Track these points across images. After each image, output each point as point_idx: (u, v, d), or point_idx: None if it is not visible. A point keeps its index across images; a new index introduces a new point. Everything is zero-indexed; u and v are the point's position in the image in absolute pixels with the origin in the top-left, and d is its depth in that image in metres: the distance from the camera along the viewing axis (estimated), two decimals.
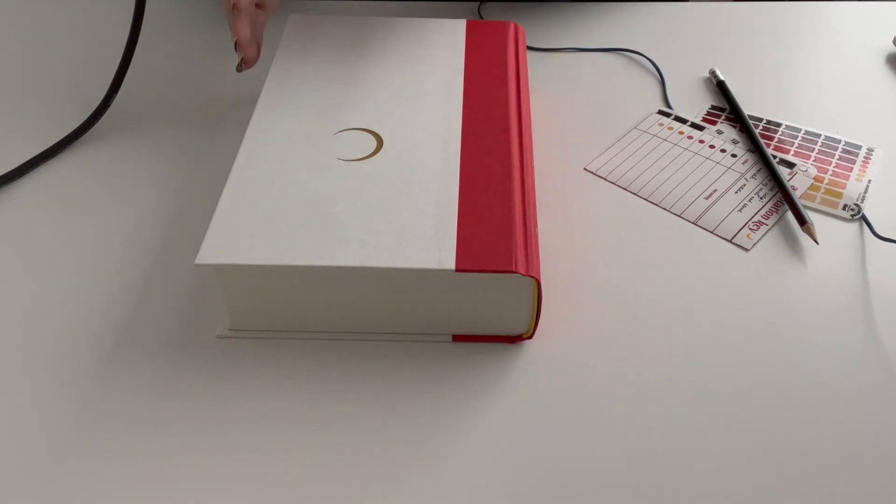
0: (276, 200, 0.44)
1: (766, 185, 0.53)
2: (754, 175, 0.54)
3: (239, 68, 0.56)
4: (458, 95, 0.52)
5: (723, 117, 0.59)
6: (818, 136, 0.58)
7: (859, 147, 0.57)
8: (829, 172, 0.54)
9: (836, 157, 0.56)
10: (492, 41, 0.57)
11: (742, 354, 0.43)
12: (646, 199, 0.53)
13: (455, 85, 0.53)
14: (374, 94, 0.52)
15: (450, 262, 0.40)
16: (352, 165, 0.46)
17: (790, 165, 0.55)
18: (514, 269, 0.40)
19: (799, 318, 0.45)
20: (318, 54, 0.55)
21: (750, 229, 0.50)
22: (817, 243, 0.49)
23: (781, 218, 0.51)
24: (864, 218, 0.51)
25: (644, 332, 0.44)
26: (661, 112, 0.60)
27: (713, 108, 0.60)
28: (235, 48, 0.55)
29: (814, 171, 0.54)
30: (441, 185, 0.45)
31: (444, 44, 0.57)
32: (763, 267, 0.48)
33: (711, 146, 0.56)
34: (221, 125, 0.58)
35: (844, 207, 0.52)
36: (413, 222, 0.43)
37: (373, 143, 0.48)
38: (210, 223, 0.43)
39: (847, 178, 0.54)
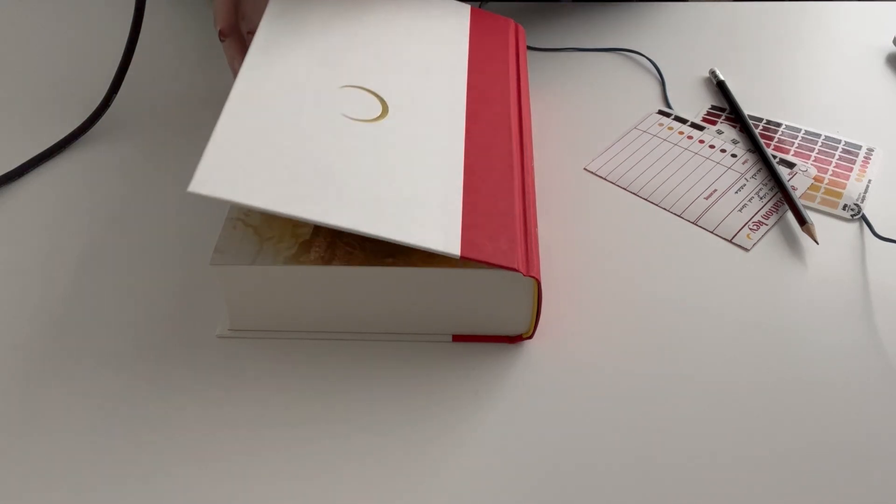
0: (276, 143, 0.41)
1: (766, 185, 0.53)
2: (754, 175, 0.54)
3: None
4: (462, 82, 0.50)
5: (723, 117, 0.59)
6: (818, 136, 0.58)
7: (859, 147, 0.57)
8: (829, 172, 0.54)
9: (836, 157, 0.56)
10: (494, 34, 0.57)
11: (742, 354, 0.43)
12: (646, 199, 0.53)
13: (459, 69, 0.51)
14: (378, 56, 0.49)
15: (455, 248, 0.39)
16: (357, 126, 0.44)
17: (790, 165, 0.55)
18: (516, 267, 0.40)
19: (799, 318, 0.45)
20: (319, 8, 0.52)
21: (750, 229, 0.50)
22: (817, 243, 0.49)
23: (781, 218, 0.51)
24: (864, 218, 0.51)
25: (644, 332, 0.44)
26: (661, 112, 0.60)
27: (713, 108, 0.60)
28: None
29: (814, 171, 0.54)
30: (445, 170, 0.43)
31: (449, 23, 0.55)
32: (763, 267, 0.48)
33: (711, 146, 0.56)
34: None
35: (844, 207, 0.52)
36: (418, 198, 0.41)
37: (378, 108, 0.45)
38: (204, 151, 0.39)
39: (847, 178, 0.54)
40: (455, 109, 0.48)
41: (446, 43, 0.53)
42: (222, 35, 0.54)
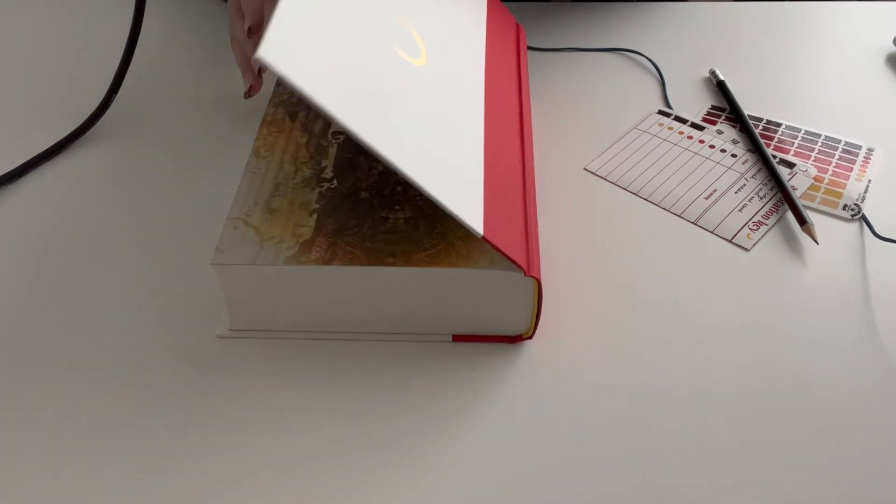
0: (338, 44, 0.36)
1: (766, 185, 0.53)
2: (754, 175, 0.54)
3: (247, 96, 0.57)
4: (481, 62, 0.48)
5: (723, 117, 0.59)
6: (818, 136, 0.58)
7: (859, 147, 0.57)
8: (829, 172, 0.54)
9: (836, 157, 0.56)
10: (504, 24, 0.56)
11: (742, 354, 0.43)
12: (646, 199, 0.53)
13: (477, 48, 0.49)
14: (412, 5, 0.45)
15: (478, 226, 0.38)
16: (405, 63, 0.40)
17: (790, 165, 0.55)
18: (522, 264, 0.40)
19: (799, 318, 0.45)
20: None
21: (750, 229, 0.50)
22: (817, 243, 0.49)
23: (781, 218, 0.51)
24: (864, 218, 0.51)
25: (644, 332, 0.44)
26: (661, 112, 0.60)
27: (713, 108, 0.60)
28: (252, 75, 0.56)
29: (814, 171, 0.54)
30: (470, 144, 0.42)
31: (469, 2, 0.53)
32: (763, 267, 0.48)
33: (711, 146, 0.56)
34: (221, 125, 0.58)
35: (844, 207, 0.52)
36: (452, 162, 0.39)
37: (419, 51, 0.42)
38: (271, 20, 0.33)
39: (847, 178, 0.54)
40: (475, 87, 0.46)
41: (466, 19, 0.51)
42: (251, 33, 0.53)
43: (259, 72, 0.56)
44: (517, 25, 0.59)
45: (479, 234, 0.38)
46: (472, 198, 0.39)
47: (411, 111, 0.38)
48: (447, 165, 0.39)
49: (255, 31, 0.53)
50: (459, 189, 0.38)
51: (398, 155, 0.35)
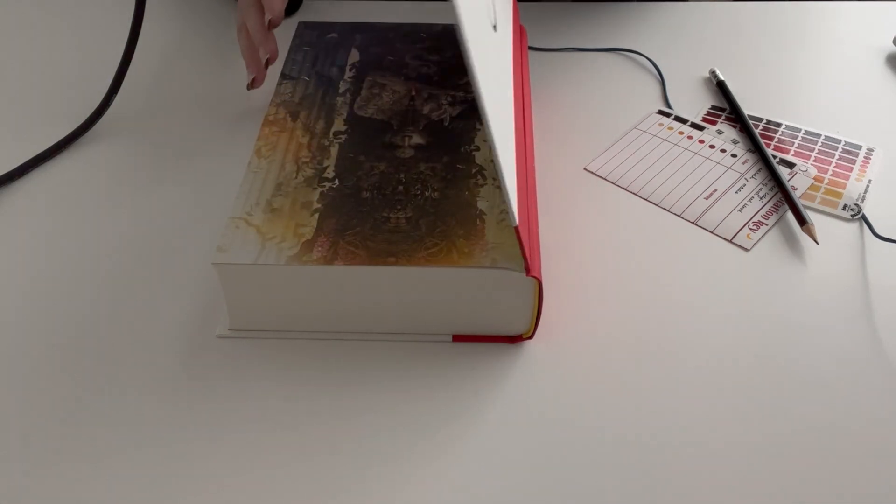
0: None
1: (766, 185, 0.53)
2: (754, 175, 0.54)
3: (250, 87, 0.57)
4: (510, 50, 0.47)
5: (723, 117, 0.59)
6: (818, 136, 0.58)
7: (859, 147, 0.57)
8: (829, 172, 0.54)
9: (836, 157, 0.56)
10: (516, 23, 0.56)
11: (742, 354, 0.43)
12: (646, 199, 0.53)
13: (510, 31, 0.48)
14: None
15: (515, 212, 0.38)
16: (488, 27, 0.40)
17: (790, 165, 0.55)
18: (529, 264, 0.40)
19: (799, 318, 0.45)
20: None
21: (750, 229, 0.50)
22: (817, 243, 0.49)
23: (781, 218, 0.51)
24: (864, 218, 0.51)
25: (644, 332, 0.44)
26: (661, 112, 0.60)
27: (713, 108, 0.60)
28: (257, 67, 0.56)
29: (814, 171, 0.54)
30: (510, 129, 0.41)
31: None
32: (763, 267, 0.48)
33: (711, 146, 0.56)
34: (221, 124, 0.58)
35: (844, 207, 0.52)
36: (505, 139, 0.38)
37: (493, 16, 0.42)
38: None
39: (847, 178, 0.54)
40: (510, 72, 0.44)
41: (505, 3, 0.51)
42: (271, 26, 0.54)
43: (266, 64, 0.56)
44: (520, 26, 0.59)
45: (515, 221, 0.38)
46: (511, 183, 0.39)
47: (492, 76, 0.38)
48: (504, 140, 0.38)
49: (275, 25, 0.54)
50: (507, 169, 0.38)
51: (491, 107, 0.34)
